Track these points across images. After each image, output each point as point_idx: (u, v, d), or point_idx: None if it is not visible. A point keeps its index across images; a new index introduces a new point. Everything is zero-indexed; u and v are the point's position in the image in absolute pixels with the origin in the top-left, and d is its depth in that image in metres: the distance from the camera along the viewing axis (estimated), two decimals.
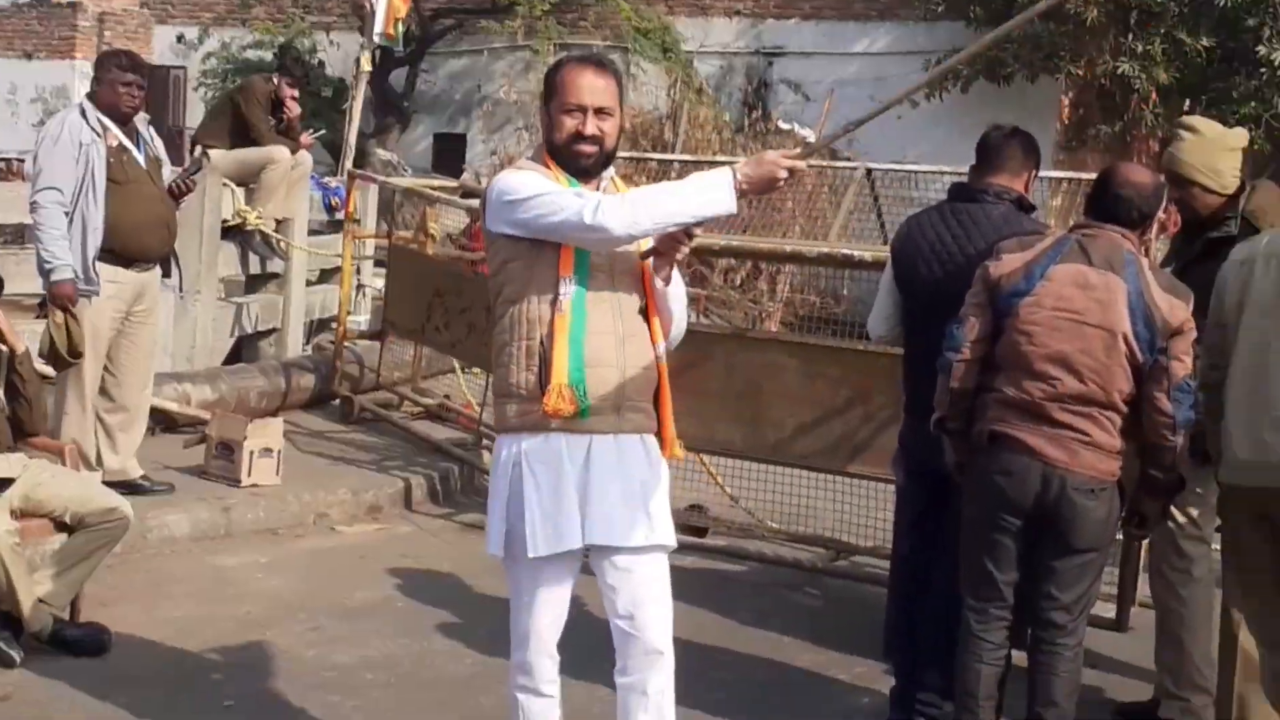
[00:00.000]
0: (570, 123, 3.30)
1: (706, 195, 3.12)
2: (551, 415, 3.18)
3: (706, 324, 7.97)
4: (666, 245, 3.25)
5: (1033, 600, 3.81)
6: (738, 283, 13.36)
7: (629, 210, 3.14)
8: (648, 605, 3.28)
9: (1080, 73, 14.27)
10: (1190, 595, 4.35)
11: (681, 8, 17.47)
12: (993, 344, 3.79)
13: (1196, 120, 4.51)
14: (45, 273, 5.84)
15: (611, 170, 3.41)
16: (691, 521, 6.48)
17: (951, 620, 3.98)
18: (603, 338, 3.24)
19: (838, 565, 6.13)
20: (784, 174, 3.08)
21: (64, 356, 5.77)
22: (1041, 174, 4.74)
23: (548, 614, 3.32)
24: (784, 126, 15.75)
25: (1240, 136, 4.50)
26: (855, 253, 6.01)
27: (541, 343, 3.21)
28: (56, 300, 5.79)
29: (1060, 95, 15.17)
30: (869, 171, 8.67)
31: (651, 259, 3.32)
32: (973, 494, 3.87)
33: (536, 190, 3.23)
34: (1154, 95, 13.80)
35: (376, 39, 11.98)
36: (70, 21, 19.24)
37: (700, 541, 6.33)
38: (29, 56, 19.45)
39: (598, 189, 3.31)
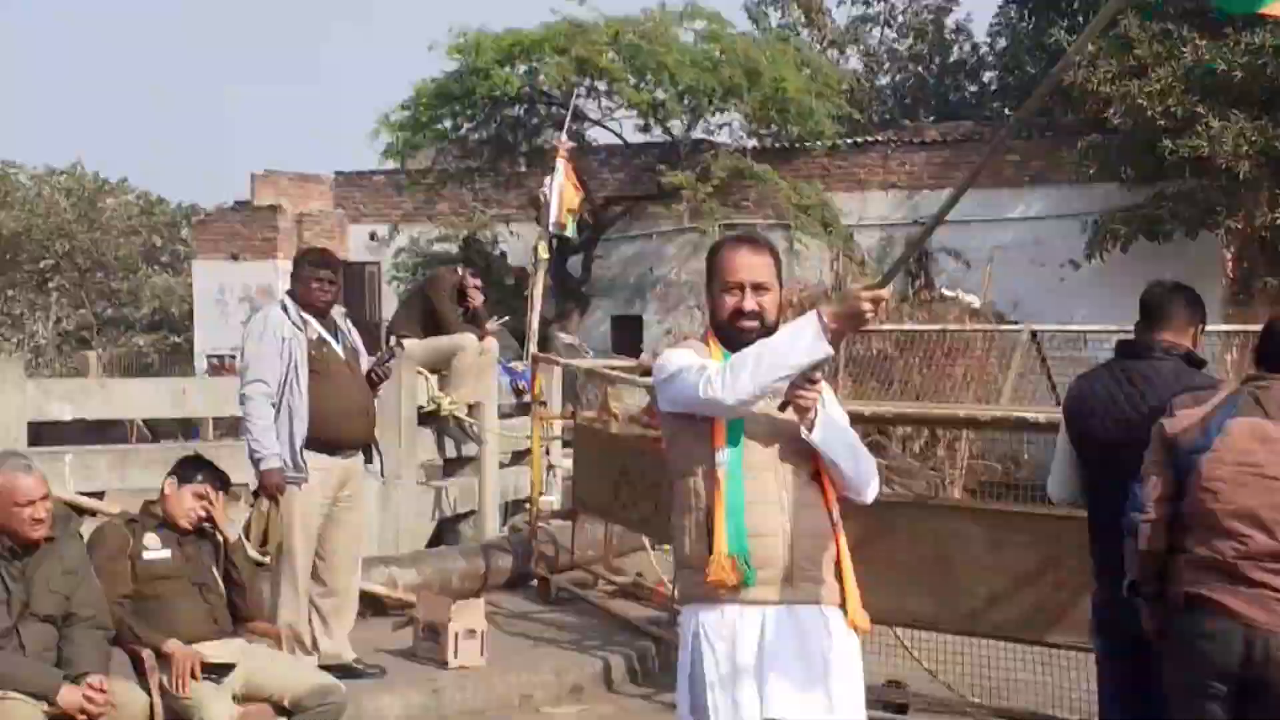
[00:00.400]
0: (730, 300, 3.41)
1: (798, 344, 3.18)
2: (716, 585, 3.23)
3: (887, 492, 8.03)
4: (792, 396, 3.26)
5: None
6: (917, 450, 13.38)
7: (730, 377, 3.22)
8: None
9: (1239, 226, 14.22)
10: None
11: (839, 184, 17.90)
12: (1178, 502, 3.78)
13: None
14: (255, 462, 6.17)
15: None
16: (891, 698, 6.36)
17: None
18: (766, 506, 3.28)
19: None
20: (868, 306, 3.13)
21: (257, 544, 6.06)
22: (1210, 328, 4.76)
23: None
24: (948, 294, 15.87)
25: None
26: (1029, 415, 6.07)
27: (707, 514, 3.29)
28: (266, 489, 6.13)
29: (1222, 250, 15.12)
30: (1034, 334, 8.80)
31: (792, 413, 3.33)
32: (1175, 660, 3.80)
33: (678, 366, 3.36)
34: None
35: (552, 229, 12.59)
36: (271, 224, 20.42)
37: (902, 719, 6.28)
38: (235, 258, 20.59)
39: None
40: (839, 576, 3.36)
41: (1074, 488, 4.48)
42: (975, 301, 15.59)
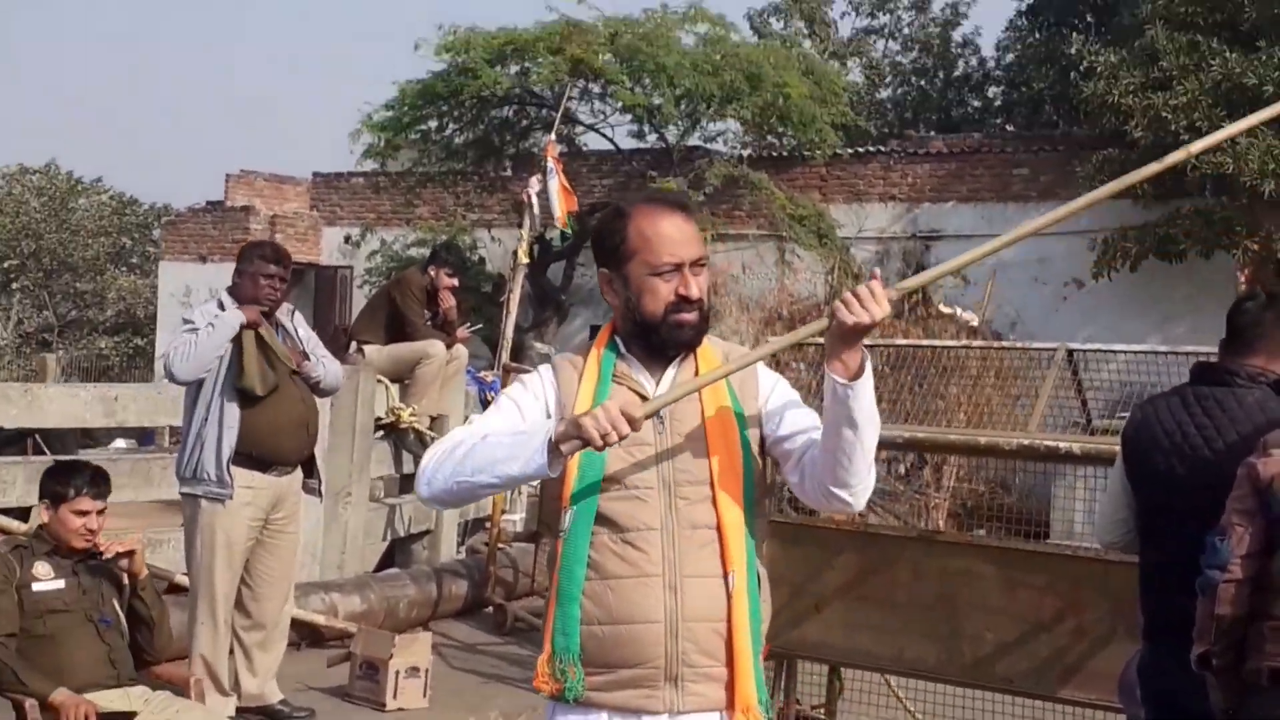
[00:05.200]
0: (666, 286, 2.62)
1: (521, 451, 2.50)
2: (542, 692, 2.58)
3: (880, 522, 7.44)
4: (839, 305, 2.48)
5: None
6: (902, 472, 12.82)
7: (435, 462, 2.59)
8: None
9: (1257, 248, 13.65)
10: None
11: (836, 194, 17.37)
12: (1268, 560, 3.15)
13: None
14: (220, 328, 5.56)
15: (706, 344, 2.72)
16: None
17: None
18: (635, 584, 2.54)
19: None
20: (594, 436, 2.41)
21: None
22: None
23: None
24: (945, 310, 15.36)
25: None
26: (1062, 444, 5.42)
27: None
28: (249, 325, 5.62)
29: (1236, 271, 14.52)
30: (1070, 354, 8.03)
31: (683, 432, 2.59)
32: None
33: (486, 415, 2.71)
34: None
35: (556, 225, 12.00)
36: (243, 225, 19.98)
37: None
38: (204, 259, 20.11)
39: (679, 365, 2.68)
40: (731, 661, 2.58)
41: (1129, 530, 3.80)
42: (974, 319, 15.09)
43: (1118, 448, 3.89)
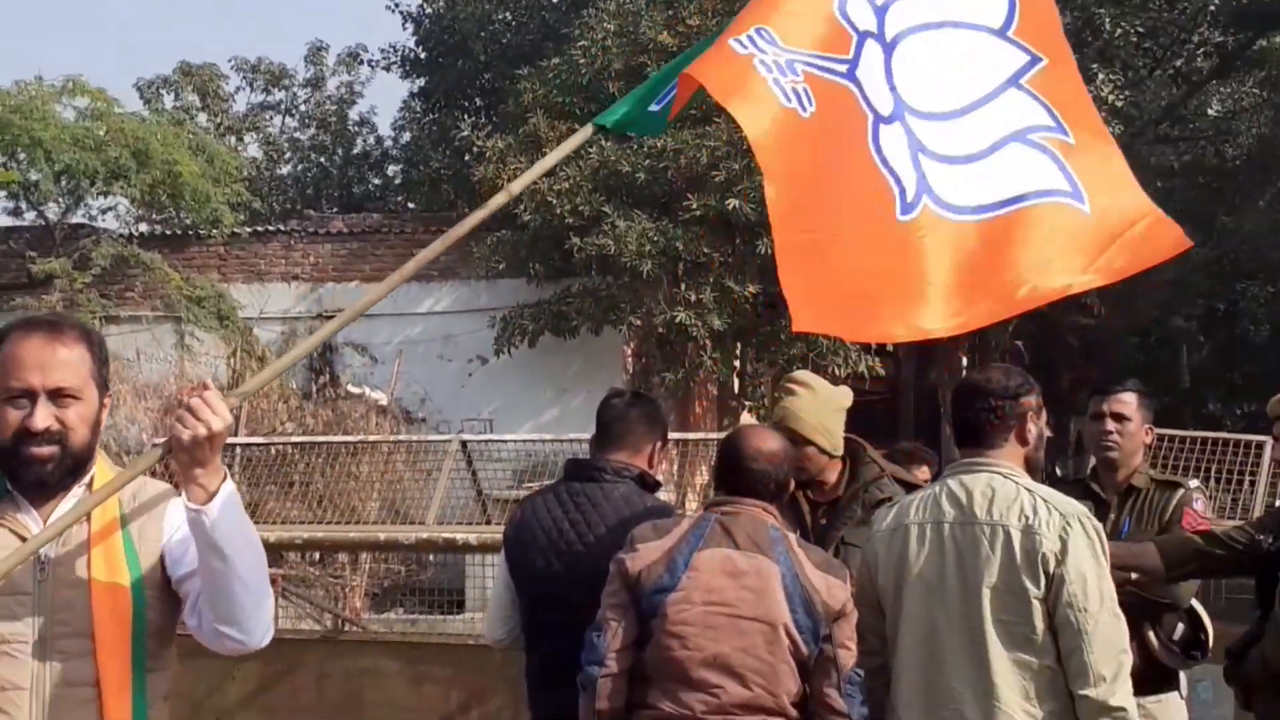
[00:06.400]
0: (14, 414, 2.40)
1: None
2: None
3: (291, 629, 7.24)
4: (178, 416, 2.34)
5: None
6: (317, 557, 12.63)
7: None
8: None
9: (640, 323, 14.70)
10: None
11: (237, 274, 16.92)
12: (641, 651, 3.31)
13: (807, 376, 4.15)
14: None
15: (93, 473, 2.51)
16: None
17: None
18: None
19: None
20: None
21: None
22: None
23: None
24: (354, 390, 15.40)
25: (847, 395, 4.14)
26: (459, 536, 5.58)
27: None
28: None
29: (623, 346, 15.56)
30: (464, 444, 8.24)
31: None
32: None
33: None
34: (709, 341, 14.35)
35: None
36: None
37: None
38: None
39: (58, 509, 2.43)
40: None
41: (514, 627, 3.85)
42: (382, 398, 15.22)
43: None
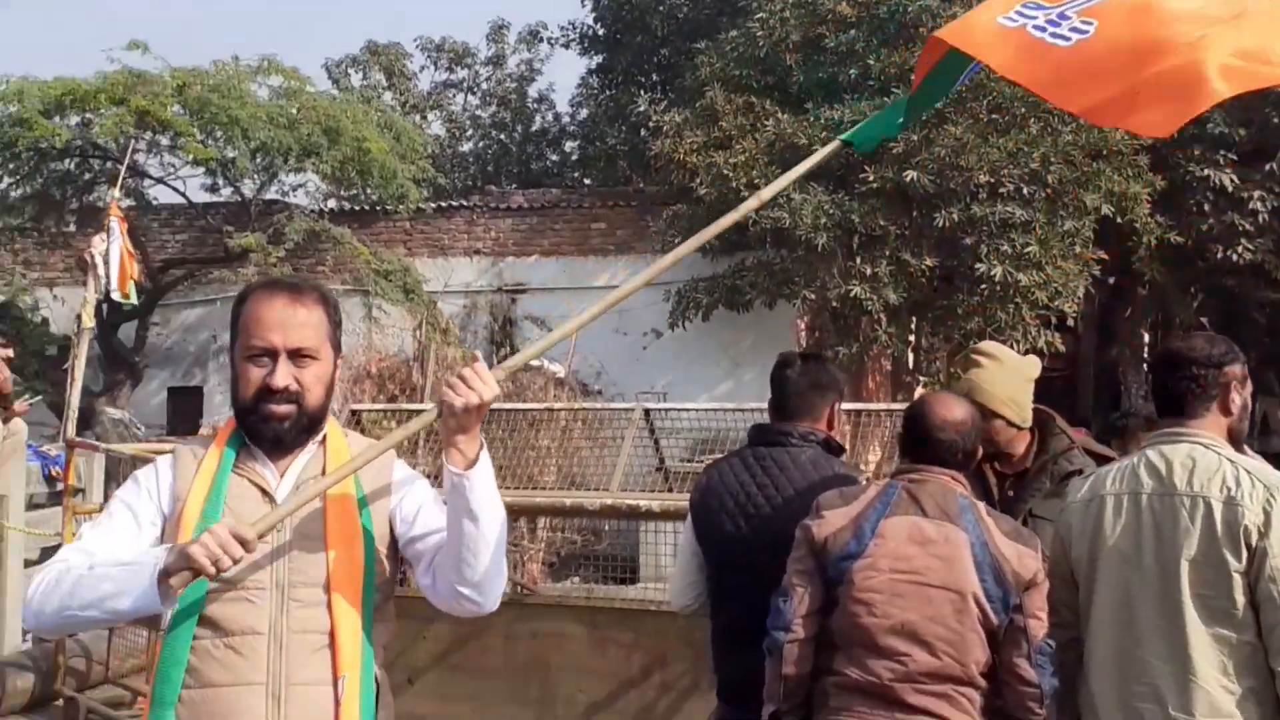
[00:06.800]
0: (255, 372, 2.52)
1: (130, 583, 2.35)
2: None
3: None
4: (443, 391, 2.44)
5: None
6: None
7: (44, 590, 2.40)
8: None
9: (814, 297, 14.63)
10: None
11: (421, 249, 17.38)
12: (827, 617, 3.29)
13: (993, 347, 4.04)
14: None
15: (325, 432, 2.60)
16: None
17: None
18: (235, 693, 2.39)
19: None
20: (205, 562, 2.29)
21: None
22: None
23: None
24: (532, 363, 15.60)
25: (1035, 366, 4.03)
26: (642, 503, 5.63)
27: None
28: None
29: (796, 319, 15.51)
30: (647, 413, 8.31)
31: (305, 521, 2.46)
32: None
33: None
34: (884, 315, 14.21)
35: (114, 295, 11.34)
36: None
37: None
38: None
39: (308, 455, 2.56)
40: None
41: (700, 593, 3.88)
42: (560, 371, 15.41)
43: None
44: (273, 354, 2.50)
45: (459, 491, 2.43)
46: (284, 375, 2.49)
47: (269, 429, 2.51)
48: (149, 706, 2.40)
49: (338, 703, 2.46)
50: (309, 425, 2.55)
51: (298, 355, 2.51)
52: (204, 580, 2.38)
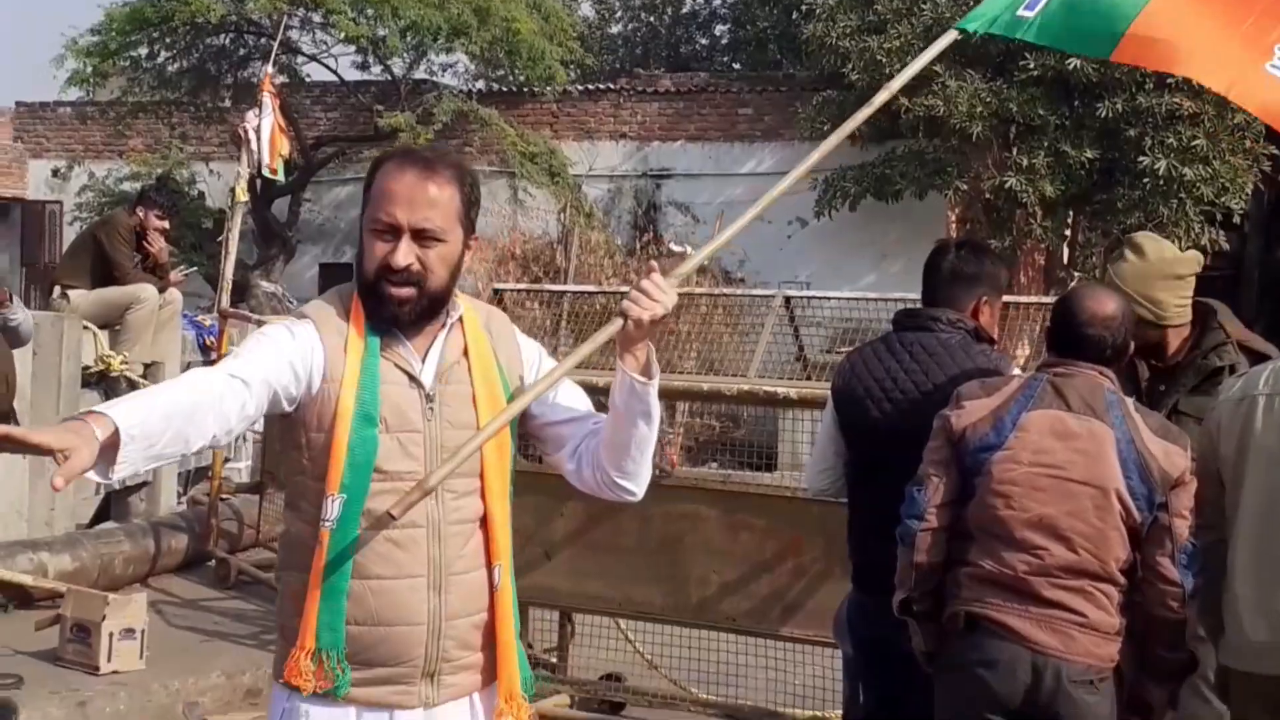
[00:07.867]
0: (379, 248, 2.41)
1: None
2: (295, 688, 2.41)
3: None
4: (627, 306, 2.42)
5: None
6: None
7: None
8: None
9: (966, 188, 14.28)
10: None
11: (567, 132, 17.33)
12: (962, 508, 3.23)
13: (1144, 239, 3.84)
14: None
15: (459, 313, 2.52)
16: (607, 695, 5.81)
17: None
18: (399, 586, 2.41)
19: None
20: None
21: None
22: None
23: None
24: (675, 249, 15.53)
25: (1189, 263, 3.82)
26: (780, 390, 5.55)
27: (304, 585, 2.41)
28: None
29: (947, 211, 15.18)
30: (788, 300, 8.21)
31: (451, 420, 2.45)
32: (950, 689, 3.24)
33: (245, 346, 2.44)
34: (1039, 208, 13.83)
35: (265, 171, 11.55)
36: None
37: (617, 719, 5.76)
38: None
39: (444, 338, 2.50)
40: (493, 645, 2.50)
41: (837, 478, 3.83)
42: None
43: (829, 392, 3.92)
44: (396, 230, 2.39)
45: (639, 397, 2.44)
46: (406, 254, 2.38)
47: (387, 309, 2.41)
48: (316, 596, 2.39)
49: (493, 589, 2.49)
50: (429, 308, 2.44)
51: (422, 235, 2.39)
52: (369, 471, 2.39)
